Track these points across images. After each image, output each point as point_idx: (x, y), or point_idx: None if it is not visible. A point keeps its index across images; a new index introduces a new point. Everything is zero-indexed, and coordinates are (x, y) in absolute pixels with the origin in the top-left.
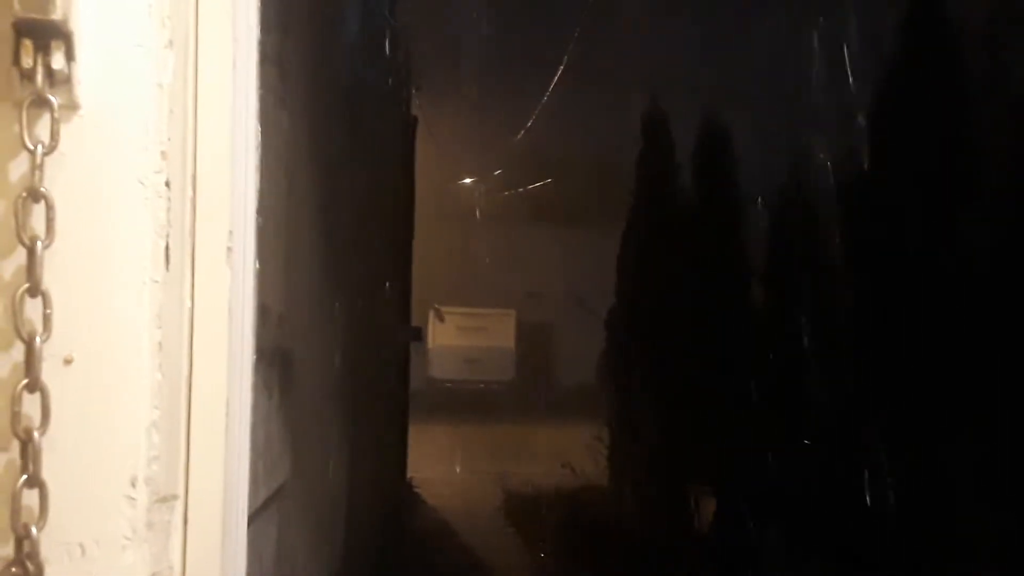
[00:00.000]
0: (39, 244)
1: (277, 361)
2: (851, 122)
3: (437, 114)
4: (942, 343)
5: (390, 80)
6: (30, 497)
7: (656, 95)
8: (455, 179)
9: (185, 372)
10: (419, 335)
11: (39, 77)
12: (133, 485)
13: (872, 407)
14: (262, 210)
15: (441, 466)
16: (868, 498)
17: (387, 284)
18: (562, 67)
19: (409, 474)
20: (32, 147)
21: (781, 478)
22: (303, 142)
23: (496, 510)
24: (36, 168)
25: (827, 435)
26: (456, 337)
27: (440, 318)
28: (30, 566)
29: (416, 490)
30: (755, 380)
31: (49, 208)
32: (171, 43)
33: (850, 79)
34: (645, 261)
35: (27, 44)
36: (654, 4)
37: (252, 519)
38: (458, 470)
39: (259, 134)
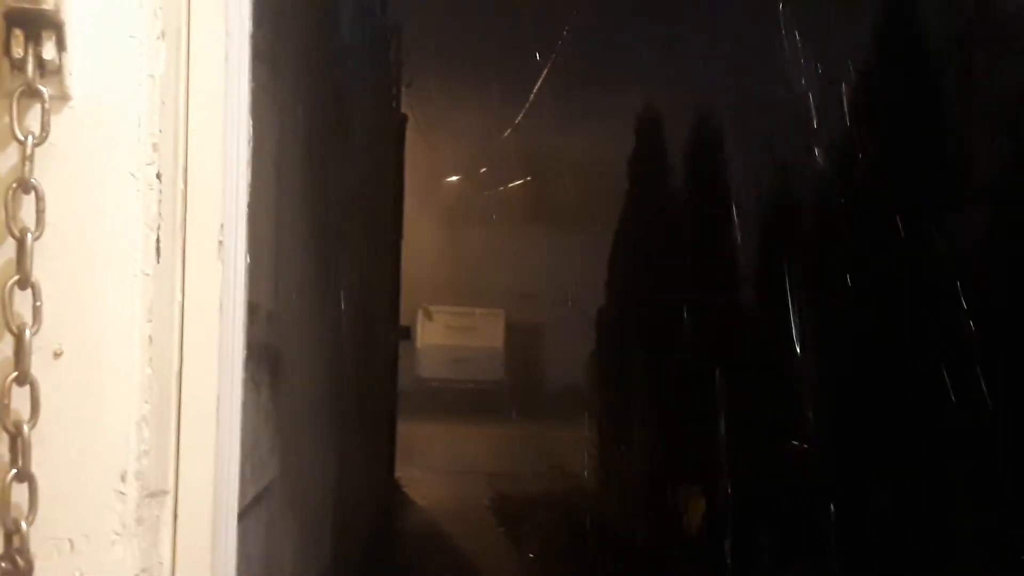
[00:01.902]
0: (29, 236)
1: (266, 359)
2: (839, 125)
3: (427, 112)
4: (934, 344)
5: (380, 77)
6: (19, 491)
7: (648, 96)
8: (445, 177)
9: (176, 366)
10: (407, 334)
11: (30, 67)
12: (123, 480)
13: (864, 408)
14: (252, 206)
15: (429, 466)
16: (860, 499)
17: (376, 282)
18: (549, 65)
19: (397, 473)
20: (22, 138)
21: (771, 478)
22: (293, 139)
23: (485, 510)
24: (26, 159)
25: (819, 435)
26: (445, 336)
27: (429, 317)
28: (20, 561)
29: (404, 490)
30: (745, 380)
31: (39, 200)
32: (163, 34)
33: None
34: (636, 261)
35: (18, 34)
36: (643, 4)
37: (240, 517)
38: (446, 470)
39: (251, 128)
